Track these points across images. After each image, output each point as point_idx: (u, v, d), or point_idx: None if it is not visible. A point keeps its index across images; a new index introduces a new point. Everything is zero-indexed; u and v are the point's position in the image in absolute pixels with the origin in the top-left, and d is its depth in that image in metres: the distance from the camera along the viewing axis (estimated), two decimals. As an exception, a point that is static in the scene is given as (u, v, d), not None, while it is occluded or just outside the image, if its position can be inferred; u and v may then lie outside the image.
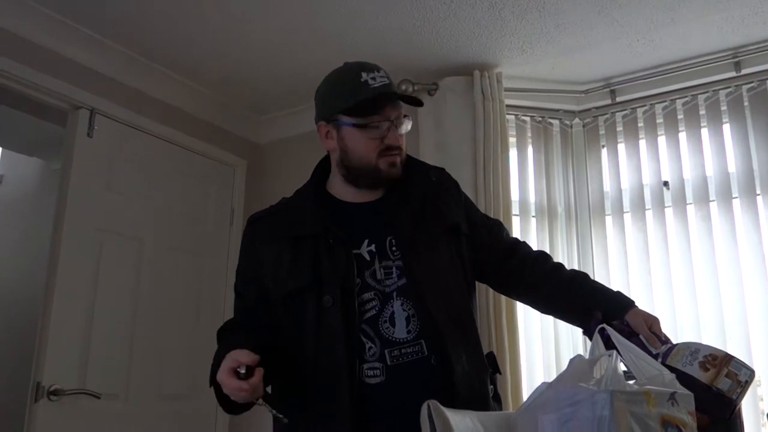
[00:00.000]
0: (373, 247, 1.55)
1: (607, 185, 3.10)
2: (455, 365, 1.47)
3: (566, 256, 3.08)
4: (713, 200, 2.80)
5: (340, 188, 1.64)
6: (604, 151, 3.16)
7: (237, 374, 1.34)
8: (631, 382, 1.18)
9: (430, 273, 1.54)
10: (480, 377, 1.54)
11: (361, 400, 1.43)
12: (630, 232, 2.98)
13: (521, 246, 1.77)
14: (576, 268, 3.02)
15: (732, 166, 2.79)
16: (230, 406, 1.41)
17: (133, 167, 3.03)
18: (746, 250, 2.69)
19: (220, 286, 3.35)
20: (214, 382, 1.40)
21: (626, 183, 3.05)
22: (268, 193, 3.58)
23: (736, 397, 1.30)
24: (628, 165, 3.05)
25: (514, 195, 3.09)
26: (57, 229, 2.71)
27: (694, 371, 1.33)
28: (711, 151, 2.86)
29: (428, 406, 1.12)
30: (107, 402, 2.76)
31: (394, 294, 1.51)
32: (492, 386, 1.59)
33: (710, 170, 2.84)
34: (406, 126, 1.59)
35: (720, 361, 1.33)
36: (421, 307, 1.50)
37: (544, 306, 1.75)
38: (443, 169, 1.76)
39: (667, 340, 1.48)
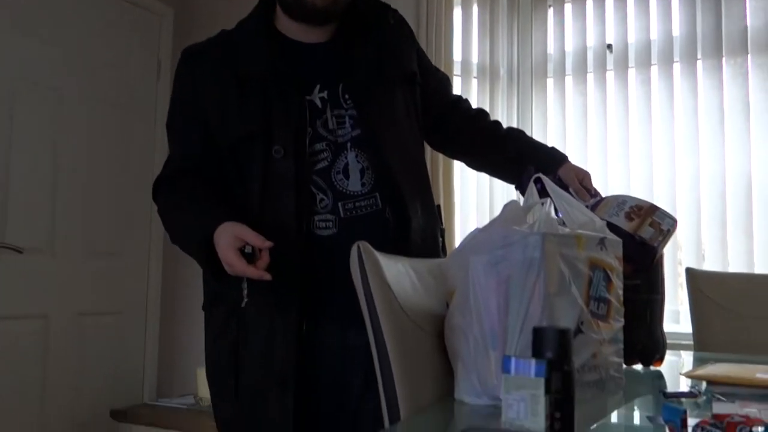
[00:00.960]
0: (325, 94, 1.44)
1: (551, 47, 3.04)
2: (412, 218, 1.43)
3: (506, 119, 3.06)
4: (654, 64, 2.79)
5: (286, 24, 1.48)
6: (551, 11, 3.07)
7: (243, 254, 1.28)
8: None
9: (387, 123, 1.46)
10: (433, 230, 1.52)
11: (310, 253, 1.38)
12: (570, 95, 2.96)
13: (463, 102, 1.72)
14: (514, 130, 3.04)
15: (676, 29, 2.76)
16: (220, 274, 1.34)
17: (47, 11, 2.78)
18: (681, 115, 2.72)
19: (148, 142, 3.21)
20: (203, 248, 1.32)
21: (570, 45, 2.99)
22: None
23: (657, 245, 1.33)
24: (573, 26, 2.98)
25: (457, 55, 3.00)
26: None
27: (620, 221, 1.34)
28: (657, 13, 2.80)
29: (358, 247, 1.09)
30: (31, 257, 2.68)
31: (348, 145, 1.43)
32: (441, 239, 1.57)
33: (654, 34, 2.81)
34: None
35: (645, 211, 1.35)
36: (377, 159, 1.43)
37: (480, 162, 1.72)
38: (396, 11, 1.62)
39: (596, 194, 1.49)
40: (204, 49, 1.50)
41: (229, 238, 1.29)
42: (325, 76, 1.45)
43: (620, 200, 1.39)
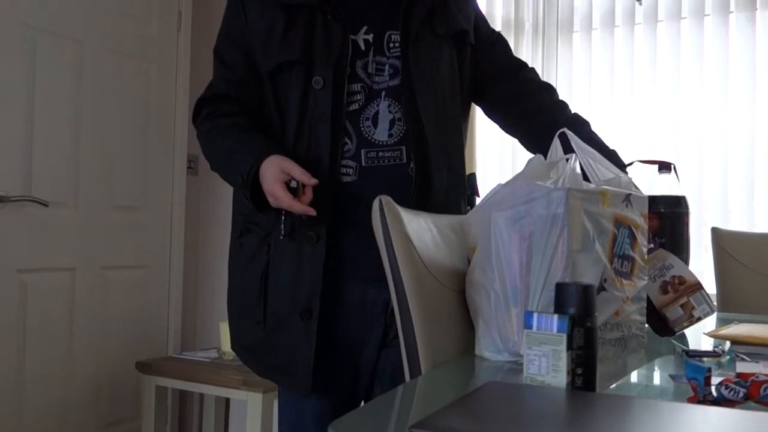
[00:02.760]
0: (370, 37, 1.42)
1: (578, 0, 2.95)
2: (434, 175, 1.40)
3: (530, 74, 3.00)
4: (685, 17, 2.70)
5: None
6: (578, -38, 2.98)
7: (288, 188, 1.30)
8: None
9: (428, 77, 1.43)
10: (457, 194, 1.50)
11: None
12: (597, 49, 2.89)
13: (528, 69, 1.65)
14: (539, 86, 2.99)
15: (709, -20, 2.67)
16: (263, 205, 1.37)
17: (66, -40, 2.75)
18: (712, 71, 2.64)
19: (170, 95, 3.20)
20: (247, 178, 1.36)
21: (598, -2, 2.90)
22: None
23: (677, 330, 1.25)
24: (601, -22, 2.88)
25: (481, 7, 2.92)
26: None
27: (653, 290, 1.25)
28: (690, -37, 2.71)
29: (380, 201, 1.08)
30: (55, 210, 2.71)
31: (383, 93, 1.41)
32: (468, 206, 1.55)
33: (687, -16, 2.71)
34: None
35: (684, 288, 1.26)
36: (411, 112, 1.40)
37: (533, 141, 1.58)
38: None
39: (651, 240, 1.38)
40: None
41: (276, 172, 1.31)
42: (375, 19, 1.43)
43: (666, 263, 1.29)
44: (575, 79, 2.93)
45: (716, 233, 2.07)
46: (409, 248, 1.08)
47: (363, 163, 1.39)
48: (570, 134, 1.29)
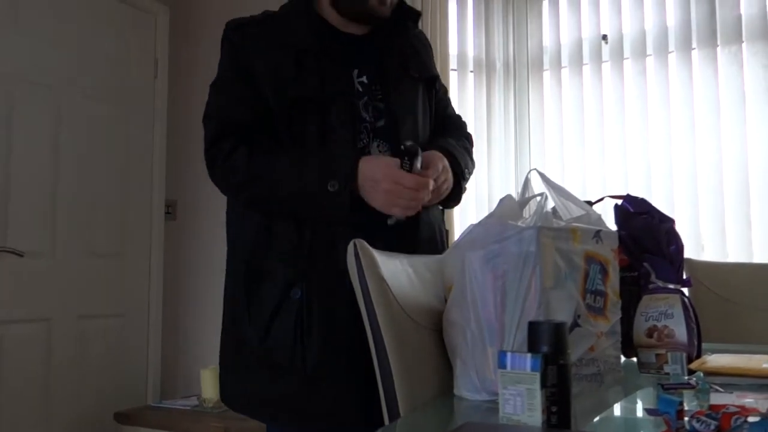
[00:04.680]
0: (364, 78, 1.47)
1: (547, 39, 3.04)
2: (421, 213, 1.42)
3: (503, 112, 3.06)
4: (650, 54, 2.78)
5: (328, 12, 1.50)
6: (546, 3, 3.07)
7: None
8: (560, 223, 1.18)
9: (409, 117, 1.49)
10: (440, 230, 1.54)
11: None
12: (567, 87, 2.96)
13: (454, 119, 1.71)
14: (512, 124, 3.05)
15: (671, 19, 2.76)
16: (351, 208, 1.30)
17: (44, 11, 2.78)
18: (678, 105, 2.71)
19: (147, 141, 3.21)
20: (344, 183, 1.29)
21: (566, 37, 2.99)
22: (198, 41, 3.38)
23: (644, 371, 1.24)
24: (568, 18, 2.97)
25: (453, 48, 3.00)
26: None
27: (640, 325, 1.26)
28: (651, 3, 2.80)
29: (354, 245, 1.09)
30: (31, 260, 2.68)
31: (371, 135, 1.45)
32: (445, 239, 1.58)
33: (649, 23, 2.80)
34: None
35: (670, 342, 1.23)
36: (395, 151, 1.43)
37: None
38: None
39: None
40: (252, 22, 1.50)
41: (385, 162, 1.31)
42: (362, 63, 1.47)
43: (670, 312, 1.25)
44: (547, 115, 2.99)
45: (690, 264, 2.10)
46: (384, 290, 1.09)
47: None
48: (541, 173, 1.32)
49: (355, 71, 1.46)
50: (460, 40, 3.05)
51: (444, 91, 1.71)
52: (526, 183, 1.29)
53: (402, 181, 1.27)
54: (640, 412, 1.07)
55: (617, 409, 1.10)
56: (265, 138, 1.40)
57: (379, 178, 1.29)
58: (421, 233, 1.43)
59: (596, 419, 0.98)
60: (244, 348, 1.39)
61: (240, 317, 1.40)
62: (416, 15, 1.60)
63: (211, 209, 3.32)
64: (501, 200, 1.17)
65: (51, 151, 2.80)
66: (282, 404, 1.37)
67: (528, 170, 1.51)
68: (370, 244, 1.14)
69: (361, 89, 1.46)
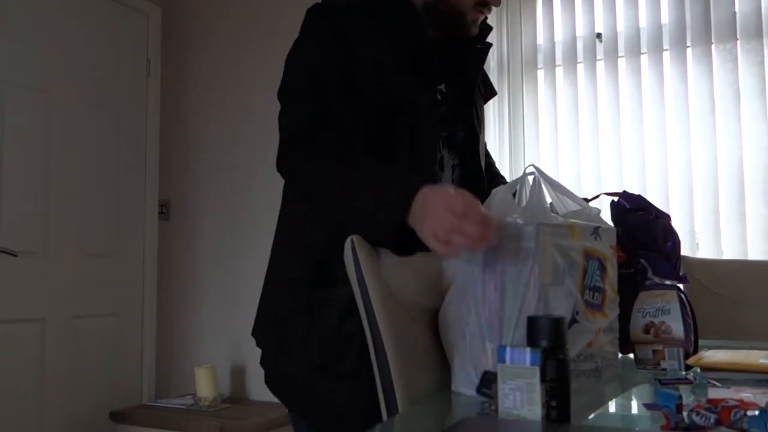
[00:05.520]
0: (443, 87, 1.45)
1: (541, 38, 3.04)
2: None
3: (497, 111, 3.06)
4: (644, 53, 2.79)
5: (420, 14, 1.42)
6: (539, 2, 3.07)
7: None
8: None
9: (479, 132, 1.50)
10: None
11: None
12: (561, 86, 2.96)
13: (489, 157, 1.73)
14: (507, 122, 3.05)
15: (665, 17, 2.76)
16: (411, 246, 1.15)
17: (34, 12, 2.76)
18: (672, 103, 2.72)
19: (140, 141, 3.21)
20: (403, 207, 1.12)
21: (560, 35, 2.99)
22: (190, 41, 3.37)
23: (639, 368, 1.25)
24: (562, 16, 2.97)
25: (447, 47, 2.99)
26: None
27: (636, 322, 1.26)
28: (646, 1, 2.81)
29: (352, 240, 1.09)
30: (25, 260, 2.67)
31: (441, 142, 1.44)
32: None
33: (643, 22, 2.81)
34: None
35: (667, 338, 1.23)
36: (464, 163, 1.46)
37: None
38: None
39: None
40: (345, 9, 1.37)
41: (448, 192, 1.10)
42: (444, 71, 1.44)
43: (666, 308, 1.25)
44: (541, 114, 3.00)
45: (685, 261, 2.11)
46: (382, 287, 1.09)
47: None
48: (537, 168, 1.32)
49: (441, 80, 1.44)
50: (454, 39, 3.05)
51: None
52: (524, 179, 1.30)
53: (451, 204, 1.04)
54: (637, 408, 1.07)
55: (615, 405, 1.10)
56: (348, 136, 1.29)
57: (431, 201, 1.09)
58: None
59: (594, 414, 0.98)
60: (305, 355, 1.32)
61: (296, 330, 1.33)
62: (489, 29, 1.55)
63: (205, 209, 3.32)
64: (494, 192, 1.17)
65: (44, 151, 2.78)
66: (348, 413, 1.28)
67: (523, 168, 1.52)
68: None
69: (440, 98, 1.44)
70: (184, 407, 2.83)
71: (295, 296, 1.34)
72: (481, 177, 1.48)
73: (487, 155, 1.71)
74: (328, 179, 1.26)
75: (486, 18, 1.48)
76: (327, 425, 1.35)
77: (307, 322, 1.31)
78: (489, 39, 1.54)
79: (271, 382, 1.45)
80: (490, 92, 1.61)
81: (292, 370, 1.35)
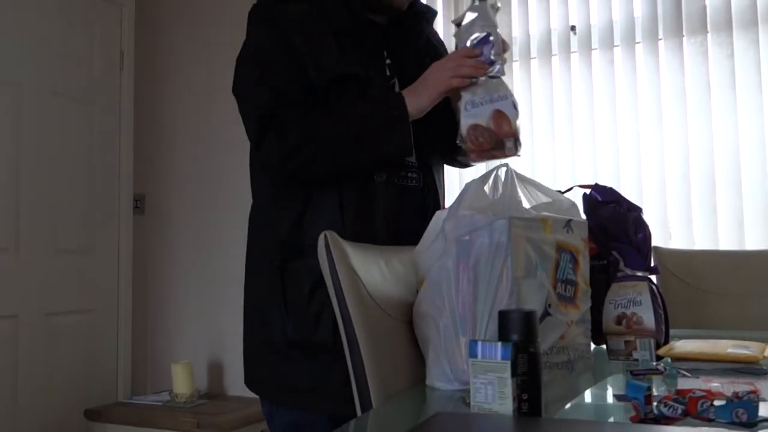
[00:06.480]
0: (389, 62, 1.51)
1: (516, 30, 3.05)
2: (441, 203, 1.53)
3: (473, 104, 3.07)
4: (617, 45, 2.81)
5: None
6: (515, -6, 3.07)
7: None
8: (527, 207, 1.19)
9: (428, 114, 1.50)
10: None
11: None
12: (536, 78, 2.97)
13: None
14: (482, 115, 3.05)
15: (638, 10, 2.78)
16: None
17: (5, 3, 2.71)
18: (645, 95, 2.74)
19: (114, 134, 3.17)
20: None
21: (535, 29, 3.00)
22: (163, 34, 3.33)
23: (611, 358, 1.27)
24: (537, 9, 2.99)
25: (422, 40, 2.99)
26: None
27: (608, 313, 1.28)
28: (619, -7, 2.83)
29: (325, 236, 1.09)
30: (-4, 256, 2.63)
31: None
32: None
33: (617, 15, 2.83)
34: None
35: (638, 329, 1.24)
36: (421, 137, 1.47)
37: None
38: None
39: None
40: (279, 2, 1.46)
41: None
42: (388, 49, 1.52)
43: (638, 299, 1.27)
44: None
45: (657, 252, 2.13)
46: (355, 281, 1.09)
47: (395, 180, 1.44)
48: (509, 166, 1.32)
49: (385, 53, 1.51)
50: (430, 31, 3.05)
51: None
52: (496, 172, 1.30)
53: (466, 58, 1.35)
54: (610, 399, 1.08)
55: (588, 396, 1.11)
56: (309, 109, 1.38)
57: (426, 73, 1.37)
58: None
59: (567, 406, 0.99)
60: (279, 337, 1.37)
61: (273, 308, 1.38)
62: (433, 14, 1.63)
63: (181, 203, 3.29)
64: (466, 185, 1.17)
65: (14, 145, 2.74)
66: (327, 390, 1.32)
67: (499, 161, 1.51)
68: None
69: (389, 72, 1.50)
70: (160, 404, 2.81)
71: (268, 274, 1.40)
72: (430, 163, 1.53)
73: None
74: (317, 127, 1.36)
75: None
76: (305, 404, 1.37)
77: (281, 296, 1.37)
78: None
79: (249, 376, 1.45)
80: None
81: (271, 352, 1.39)
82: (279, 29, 1.42)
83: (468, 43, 1.37)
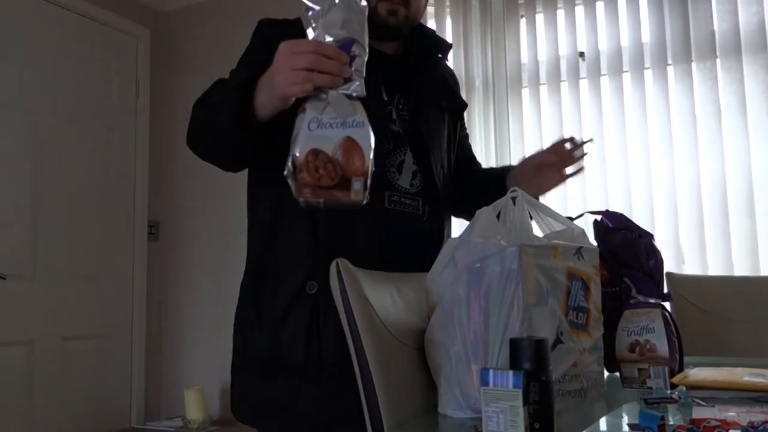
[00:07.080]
0: (384, 95, 1.44)
1: (525, 57, 3.07)
2: (444, 233, 1.47)
3: (483, 129, 3.08)
4: (626, 71, 2.82)
5: None
6: (523, 22, 3.11)
7: None
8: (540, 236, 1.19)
9: (435, 142, 1.49)
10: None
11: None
12: (545, 104, 2.99)
13: (476, 162, 1.74)
14: (493, 140, 3.07)
15: (646, 36, 2.80)
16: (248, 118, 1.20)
17: (22, 34, 2.77)
18: (655, 120, 2.75)
19: (129, 161, 3.20)
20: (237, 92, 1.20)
21: (543, 54, 3.02)
22: (179, 63, 3.38)
23: (625, 386, 1.25)
24: (546, 36, 3.01)
25: (432, 67, 3.01)
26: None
27: (622, 340, 1.26)
28: (627, 20, 2.85)
29: (337, 264, 1.10)
30: (13, 282, 2.65)
31: (408, 144, 1.44)
32: None
33: (625, 41, 2.85)
34: None
35: (652, 356, 1.24)
36: (426, 170, 1.45)
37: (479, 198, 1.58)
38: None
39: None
40: (286, 21, 1.45)
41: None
42: (390, 80, 1.45)
43: (651, 326, 1.26)
44: (526, 131, 3.02)
45: (671, 278, 2.12)
46: (367, 309, 1.09)
47: (386, 204, 1.40)
48: (521, 192, 1.33)
49: (383, 83, 1.43)
50: (440, 59, 3.08)
51: (464, 132, 1.71)
52: (507, 199, 1.31)
53: (296, 47, 1.08)
54: (624, 427, 1.07)
55: (602, 425, 1.10)
56: None
57: (277, 59, 1.12)
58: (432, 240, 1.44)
59: (580, 435, 0.99)
60: (254, 357, 1.38)
61: (248, 321, 1.39)
62: (448, 47, 1.59)
63: (194, 229, 3.31)
64: (477, 213, 1.18)
65: (32, 172, 2.78)
66: (297, 412, 1.32)
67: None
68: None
69: (386, 98, 1.44)
70: (173, 429, 2.81)
71: (245, 299, 1.42)
72: (437, 192, 1.47)
73: (474, 160, 1.72)
74: (198, 101, 1.39)
75: (408, 10, 1.44)
76: (275, 425, 1.36)
77: (255, 320, 1.37)
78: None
79: (235, 405, 1.45)
80: (458, 105, 1.61)
81: (252, 379, 1.39)
82: (267, 46, 1.32)
83: (328, 39, 1.08)
